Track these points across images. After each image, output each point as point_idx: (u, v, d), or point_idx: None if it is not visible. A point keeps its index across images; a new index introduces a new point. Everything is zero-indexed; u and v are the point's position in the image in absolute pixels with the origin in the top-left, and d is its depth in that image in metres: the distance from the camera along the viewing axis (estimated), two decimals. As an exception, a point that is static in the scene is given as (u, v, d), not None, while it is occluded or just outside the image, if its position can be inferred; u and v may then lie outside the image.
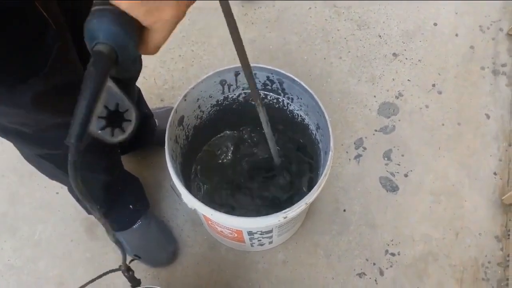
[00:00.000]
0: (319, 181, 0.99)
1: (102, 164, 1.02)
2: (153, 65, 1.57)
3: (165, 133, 1.36)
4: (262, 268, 1.30)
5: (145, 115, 1.32)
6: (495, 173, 1.40)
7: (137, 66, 1.08)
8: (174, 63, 1.58)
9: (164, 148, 1.42)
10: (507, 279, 1.26)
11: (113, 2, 0.43)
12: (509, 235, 1.31)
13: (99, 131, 0.46)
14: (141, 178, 1.32)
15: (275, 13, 1.66)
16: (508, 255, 1.29)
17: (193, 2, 0.48)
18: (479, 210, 1.36)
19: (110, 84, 0.45)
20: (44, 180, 1.40)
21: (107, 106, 0.45)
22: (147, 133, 1.36)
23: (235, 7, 1.67)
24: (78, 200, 1.19)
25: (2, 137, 0.83)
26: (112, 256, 1.31)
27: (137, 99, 1.26)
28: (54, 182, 1.39)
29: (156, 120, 1.38)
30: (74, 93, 0.76)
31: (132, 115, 0.47)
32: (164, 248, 1.30)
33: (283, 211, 0.95)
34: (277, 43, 1.61)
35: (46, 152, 0.88)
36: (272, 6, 1.67)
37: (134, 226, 1.27)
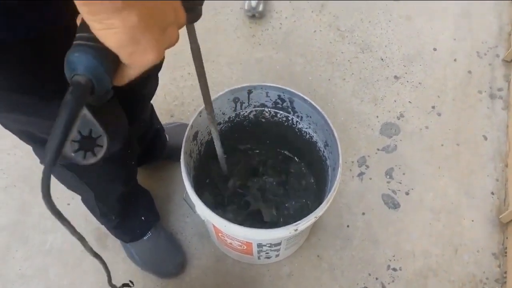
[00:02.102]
0: (328, 196, 1.04)
1: (121, 175, 1.06)
2: (163, 82, 1.62)
3: (175, 147, 1.43)
4: (267, 281, 1.33)
5: (157, 131, 1.37)
6: (492, 193, 1.46)
7: (154, 84, 1.13)
8: (184, 80, 1.64)
9: (174, 163, 1.49)
10: (504, 295, 1.31)
11: (101, 40, 0.46)
12: (506, 252, 1.36)
13: (72, 154, 0.49)
14: (151, 191, 1.35)
15: (281, 35, 1.73)
16: (505, 272, 1.34)
17: (173, 45, 0.53)
18: (477, 228, 1.41)
19: (85, 111, 0.48)
20: (56, 191, 1.43)
21: (81, 131, 0.49)
22: (158, 148, 1.40)
23: (244, 29, 1.73)
24: (91, 210, 1.22)
25: (31, 144, 0.88)
26: (122, 266, 1.34)
27: (150, 115, 1.31)
28: (65, 193, 1.43)
29: (166, 135, 1.43)
30: (104, 109, 0.82)
31: (104, 141, 0.50)
32: (172, 260, 1.33)
33: (294, 223, 0.99)
34: (283, 64, 1.67)
35: (70, 162, 0.92)
36: (279, 28, 1.74)
37: (144, 238, 1.31)
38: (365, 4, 1.80)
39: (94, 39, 0.47)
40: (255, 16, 1.73)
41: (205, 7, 1.78)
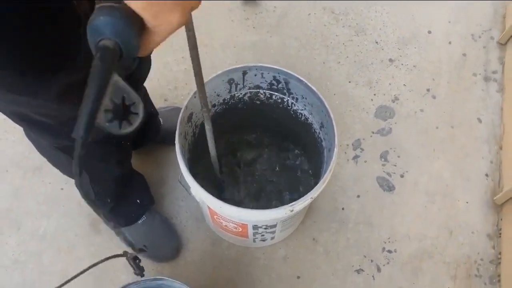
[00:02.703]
0: (324, 176, 1.03)
1: (116, 156, 1.05)
2: (156, 66, 1.60)
3: (169, 131, 1.41)
4: (263, 264, 1.33)
5: (151, 114, 1.35)
6: (486, 175, 1.46)
7: (146, 67, 1.11)
8: (177, 64, 1.62)
9: (168, 147, 1.48)
10: (499, 276, 1.32)
11: (124, 2, 0.45)
12: (500, 233, 1.37)
13: (107, 124, 0.47)
14: (145, 175, 1.34)
15: (275, 18, 1.71)
16: (500, 253, 1.34)
17: (196, 7, 0.51)
18: (471, 210, 1.41)
19: (116, 78, 0.46)
20: (49, 176, 1.43)
21: (114, 99, 0.46)
22: (152, 131, 1.39)
23: (237, 12, 1.71)
24: (86, 194, 1.21)
25: (25, 127, 0.86)
26: (116, 250, 1.32)
27: (143, 97, 1.29)
28: (58, 178, 1.42)
29: (160, 119, 1.41)
30: None
31: (139, 108, 0.48)
32: (167, 244, 1.32)
33: (290, 204, 0.99)
34: (277, 47, 1.66)
35: (65, 144, 0.90)
36: (273, 11, 1.72)
37: (139, 222, 1.30)
38: (359, -13, 1.79)
39: (118, 1, 0.45)
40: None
41: (198, -11, 1.75)
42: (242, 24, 1.69)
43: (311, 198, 1.01)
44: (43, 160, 1.43)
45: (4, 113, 0.79)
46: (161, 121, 1.42)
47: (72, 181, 1.36)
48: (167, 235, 1.33)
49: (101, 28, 0.45)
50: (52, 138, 0.88)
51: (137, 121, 0.48)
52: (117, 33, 0.45)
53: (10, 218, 1.38)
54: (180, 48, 1.63)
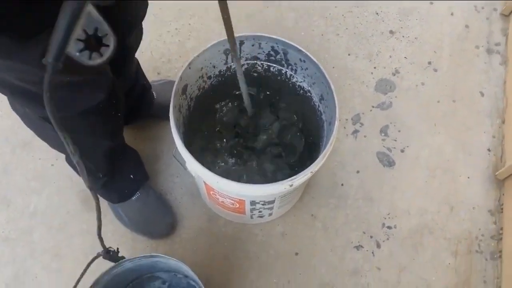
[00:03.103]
0: (325, 150, 0.99)
1: (106, 129, 1.00)
2: (149, 38, 1.55)
3: (162, 105, 1.37)
4: (260, 240, 1.30)
5: (143, 87, 1.30)
6: (489, 149, 1.43)
7: (138, 35, 1.06)
8: (170, 36, 1.56)
9: (162, 122, 1.43)
10: (500, 252, 1.29)
11: None
12: (502, 209, 1.34)
13: (77, 53, 0.48)
14: (139, 151, 1.30)
15: (272, -12, 1.65)
16: (501, 229, 1.32)
17: None
18: (473, 185, 1.38)
19: (89, 8, 0.46)
20: (38, 151, 1.39)
21: (86, 30, 0.47)
22: (145, 105, 1.34)
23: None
24: (75, 170, 1.17)
25: (8, 95, 0.81)
26: (111, 227, 1.30)
27: (136, 71, 1.24)
28: (49, 154, 1.38)
29: (154, 93, 1.37)
30: None
31: (111, 40, 0.48)
32: (162, 221, 1.29)
33: (289, 178, 0.95)
34: (274, 19, 1.60)
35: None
36: (270, -19, 1.66)
37: (133, 198, 1.26)
38: (359, -44, 1.73)
39: None
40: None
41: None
42: (237, -6, 1.63)
43: (311, 172, 0.98)
44: (32, 134, 1.39)
45: None
46: (154, 95, 1.37)
47: (63, 157, 1.32)
48: (161, 211, 1.29)
49: None
50: (37, 107, 0.83)
51: (107, 53, 0.48)
52: None
53: (0, 195, 1.34)
54: (174, 19, 1.57)
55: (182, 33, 1.56)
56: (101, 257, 0.94)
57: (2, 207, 1.32)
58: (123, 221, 1.29)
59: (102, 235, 1.20)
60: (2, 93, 0.79)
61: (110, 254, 0.95)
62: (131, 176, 1.22)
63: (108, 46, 0.48)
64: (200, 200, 1.34)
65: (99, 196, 1.25)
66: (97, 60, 0.48)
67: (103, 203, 1.31)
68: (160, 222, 1.28)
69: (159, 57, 1.53)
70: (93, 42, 0.48)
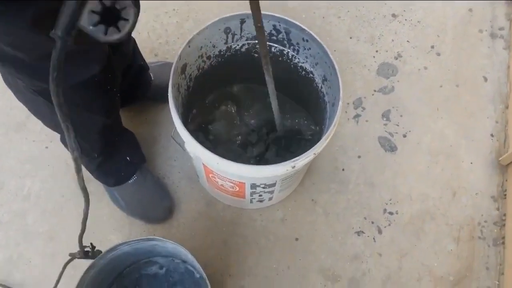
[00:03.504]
0: (328, 132, 0.97)
1: (100, 104, 0.96)
2: (146, 19, 1.51)
3: (160, 88, 1.33)
4: (259, 225, 1.28)
5: (141, 68, 1.27)
6: (492, 135, 1.40)
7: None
8: (168, 17, 1.52)
9: (159, 104, 1.40)
10: (503, 238, 1.28)
11: None
12: (505, 195, 1.32)
13: (91, 27, 0.42)
14: (136, 134, 1.27)
15: (273, -31, 1.61)
16: (504, 215, 1.30)
17: None
18: (476, 170, 1.36)
19: None
20: (32, 133, 1.35)
21: (103, 0, 0.42)
22: (142, 85, 1.31)
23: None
24: (69, 149, 1.13)
25: (1, 67, 0.78)
26: (107, 211, 1.27)
27: (133, 50, 1.21)
28: (43, 136, 1.34)
29: (151, 74, 1.33)
30: None
31: (131, 14, 0.43)
32: (159, 205, 1.26)
33: (292, 159, 0.92)
34: (274, 1, 1.56)
35: (43, 86, 0.82)
36: (270, -38, 1.62)
37: (129, 181, 1.23)
38: None
39: None
40: None
41: None
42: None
43: (314, 154, 0.95)
44: (26, 116, 1.36)
45: None
46: (152, 77, 1.33)
47: (58, 138, 1.28)
48: (159, 195, 1.26)
49: None
50: (28, 78, 0.79)
51: (126, 28, 0.43)
52: None
53: (-8, 177, 1.31)
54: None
55: (180, 14, 1.52)
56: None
57: (-5, 190, 1.29)
58: (120, 204, 1.26)
59: (98, 220, 1.18)
60: None
61: (87, 253, 0.91)
62: (128, 158, 1.19)
63: (127, 20, 0.43)
64: (198, 184, 1.31)
65: (95, 178, 1.23)
66: (114, 36, 0.43)
67: (100, 186, 1.28)
68: (157, 206, 1.25)
69: (156, 38, 1.49)
70: (109, 15, 0.43)
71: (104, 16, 0.42)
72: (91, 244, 0.93)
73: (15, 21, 0.61)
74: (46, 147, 1.34)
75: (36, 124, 1.35)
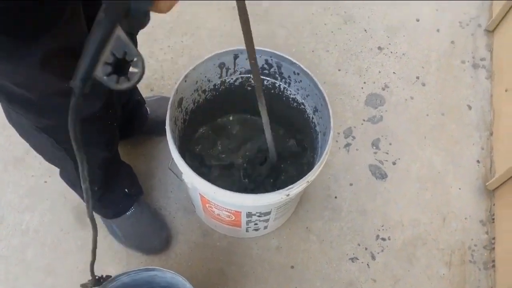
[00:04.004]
0: (321, 160, 1.01)
1: (101, 138, 1.00)
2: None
3: (156, 121, 1.37)
4: (256, 254, 1.30)
5: (138, 102, 1.31)
6: (478, 161, 1.45)
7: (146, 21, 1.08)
8: (163, 53, 1.58)
9: (155, 138, 1.44)
10: (493, 261, 1.31)
11: None
12: (493, 219, 1.36)
13: (105, 77, 0.47)
14: (133, 167, 1.30)
15: (263, 7, 1.69)
16: (493, 238, 1.34)
17: None
18: (464, 196, 1.40)
19: (119, 32, 0.46)
20: (31, 168, 1.38)
21: (115, 53, 0.46)
22: (139, 120, 1.35)
23: (224, 1, 1.68)
24: (71, 184, 1.17)
25: (6, 104, 0.81)
26: (104, 243, 1.29)
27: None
28: (42, 170, 1.37)
29: (147, 108, 1.37)
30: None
31: (139, 65, 0.47)
32: (157, 236, 1.28)
33: (286, 188, 0.96)
34: (265, 36, 1.63)
35: (48, 123, 0.86)
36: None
37: (127, 213, 1.26)
38: (346, -24, 1.78)
39: None
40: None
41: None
42: (229, 12, 1.66)
43: (307, 182, 0.99)
44: (25, 151, 1.39)
45: None
46: (148, 111, 1.38)
47: (56, 173, 1.31)
48: (156, 226, 1.29)
49: None
50: (34, 115, 0.83)
51: (136, 78, 0.47)
52: None
53: (-9, 212, 1.32)
54: (166, 37, 1.59)
55: (175, 50, 1.58)
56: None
57: (-6, 225, 1.31)
58: (117, 236, 1.28)
59: (96, 251, 1.19)
60: (0, 100, 0.79)
61: (99, 280, 0.93)
62: (126, 191, 1.22)
63: (136, 71, 0.47)
64: (195, 215, 1.34)
65: (94, 211, 1.25)
66: (124, 85, 0.47)
67: (97, 219, 1.30)
68: (154, 237, 1.27)
69: (151, 74, 1.54)
70: (121, 66, 0.47)
71: (116, 67, 0.46)
72: (104, 276, 0.95)
73: (25, 60, 0.65)
74: (45, 182, 1.36)
75: (35, 159, 1.38)
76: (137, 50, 0.46)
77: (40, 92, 0.75)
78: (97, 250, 1.24)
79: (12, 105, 0.80)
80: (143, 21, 0.49)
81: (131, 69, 0.47)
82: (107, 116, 0.94)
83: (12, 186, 1.36)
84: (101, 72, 0.46)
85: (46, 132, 0.88)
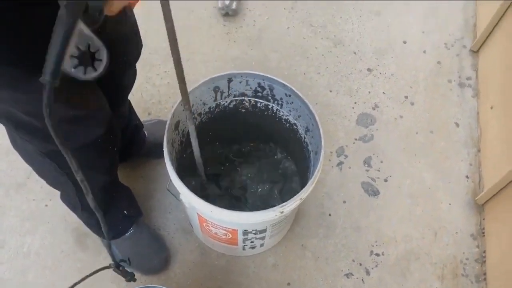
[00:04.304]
0: (313, 178, 1.05)
1: (103, 162, 1.04)
2: (139, 80, 1.61)
3: (153, 144, 1.42)
4: (252, 272, 1.33)
5: (136, 127, 1.36)
6: (467, 176, 1.50)
7: (132, 74, 1.13)
8: (160, 78, 1.63)
9: (153, 160, 1.48)
10: (484, 274, 1.34)
11: None
12: (483, 233, 1.40)
13: (72, 69, 0.51)
14: (131, 189, 1.33)
15: (256, 32, 1.75)
16: (484, 252, 1.37)
17: None
18: (454, 211, 1.44)
19: (81, 26, 0.49)
20: (32, 193, 1.42)
21: (79, 46, 0.50)
22: (137, 144, 1.39)
23: (218, 27, 1.75)
24: (72, 207, 1.20)
25: (13, 131, 0.85)
26: (103, 264, 1.31)
27: (129, 110, 1.30)
28: (42, 195, 1.41)
29: (145, 132, 1.42)
30: (85, 88, 0.81)
31: (103, 54, 0.51)
32: (156, 256, 1.31)
33: (280, 205, 1.00)
34: (258, 60, 1.69)
35: (52, 148, 0.90)
36: (253, 25, 1.76)
37: (126, 234, 1.29)
38: (335, 1, 1.84)
39: None
40: (229, 14, 1.75)
41: (179, 6, 1.79)
42: (223, 38, 1.72)
43: (300, 199, 1.03)
44: (26, 176, 1.43)
45: None
46: (146, 134, 1.42)
47: (57, 197, 1.35)
48: (155, 247, 1.32)
49: None
50: (39, 141, 0.87)
51: (101, 67, 0.51)
52: None
53: (-7, 236, 1.35)
54: (163, 62, 1.65)
55: (171, 75, 1.64)
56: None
57: (-4, 248, 1.33)
58: (117, 257, 1.31)
59: (97, 274, 1.22)
60: (7, 127, 0.83)
61: (120, 268, 0.97)
62: (125, 212, 1.25)
63: (101, 60, 0.51)
64: (193, 234, 1.37)
65: (93, 232, 1.29)
66: (91, 74, 0.51)
67: (96, 240, 1.34)
68: (154, 257, 1.31)
69: (149, 98, 1.59)
70: (86, 58, 0.51)
71: (82, 59, 0.50)
72: (128, 258, 1.00)
73: (33, 91, 0.70)
74: (46, 205, 1.40)
75: (36, 184, 1.42)
76: (100, 41, 0.50)
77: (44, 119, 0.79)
78: (98, 273, 1.27)
79: (19, 131, 0.84)
80: (98, 18, 0.53)
81: (96, 59, 0.51)
82: (108, 141, 0.98)
83: (14, 210, 1.39)
84: (69, 65, 0.50)
85: (50, 157, 0.92)
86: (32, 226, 1.37)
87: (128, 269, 1.30)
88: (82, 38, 0.49)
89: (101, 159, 1.03)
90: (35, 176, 1.43)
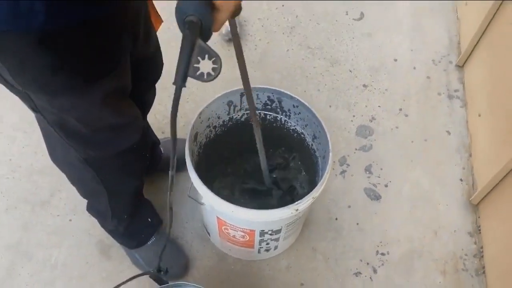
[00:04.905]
0: (323, 179, 1.15)
1: (136, 168, 1.14)
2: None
3: (168, 159, 1.51)
4: (268, 274, 1.42)
5: (154, 143, 1.46)
6: (461, 179, 1.61)
7: (153, 94, 1.25)
8: (170, 100, 1.74)
9: (168, 175, 1.57)
10: (483, 268, 1.44)
11: None
12: (479, 230, 1.50)
13: (196, 74, 0.63)
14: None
15: (257, 55, 1.89)
16: (481, 247, 1.47)
17: None
18: (451, 211, 1.55)
19: (199, 42, 0.62)
20: (56, 209, 1.50)
21: (199, 57, 0.62)
22: (154, 160, 1.49)
23: (222, 51, 1.88)
24: (101, 215, 1.28)
25: (64, 138, 0.93)
26: (128, 273, 1.40)
27: (147, 128, 1.41)
28: (66, 210, 1.49)
29: (161, 148, 1.52)
30: (127, 100, 0.93)
31: (218, 61, 0.64)
32: (176, 263, 1.40)
33: (295, 203, 1.10)
34: (261, 80, 1.82)
35: (93, 155, 0.99)
36: (255, 49, 1.90)
37: (148, 243, 1.37)
38: (330, 25, 1.99)
39: None
40: (232, 39, 1.88)
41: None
42: (227, 62, 1.83)
43: (313, 197, 1.13)
44: (50, 194, 1.52)
45: (49, 121, 0.88)
46: (162, 150, 1.52)
47: (80, 212, 1.44)
48: (175, 253, 1.40)
49: (186, 8, 0.62)
50: (82, 147, 0.95)
51: (217, 71, 0.64)
52: (199, 11, 0.62)
53: (21, 250, 1.43)
54: (172, 86, 1.76)
55: (181, 97, 1.75)
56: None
57: (25, 262, 1.41)
58: (140, 265, 1.39)
59: (121, 280, 1.30)
60: (58, 133, 0.92)
61: (157, 275, 1.06)
62: (149, 220, 1.35)
63: (216, 66, 0.63)
64: (210, 242, 1.46)
65: (119, 242, 1.37)
66: (210, 77, 0.64)
67: (120, 251, 1.42)
68: (175, 264, 1.39)
69: (162, 119, 1.71)
70: (206, 65, 0.63)
71: (202, 66, 0.63)
72: (166, 269, 1.15)
73: (88, 97, 0.81)
74: (70, 220, 1.48)
75: (59, 201, 1.51)
76: (215, 52, 0.63)
77: (93, 126, 0.90)
78: (121, 280, 1.35)
79: (69, 138, 0.92)
80: (208, 36, 0.65)
81: (212, 66, 0.63)
82: (141, 147, 1.09)
83: (40, 225, 1.47)
84: (192, 72, 0.63)
85: (89, 163, 1.02)
86: (58, 240, 1.45)
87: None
88: (201, 50, 0.62)
89: (136, 163, 1.13)
90: (58, 194, 1.53)
